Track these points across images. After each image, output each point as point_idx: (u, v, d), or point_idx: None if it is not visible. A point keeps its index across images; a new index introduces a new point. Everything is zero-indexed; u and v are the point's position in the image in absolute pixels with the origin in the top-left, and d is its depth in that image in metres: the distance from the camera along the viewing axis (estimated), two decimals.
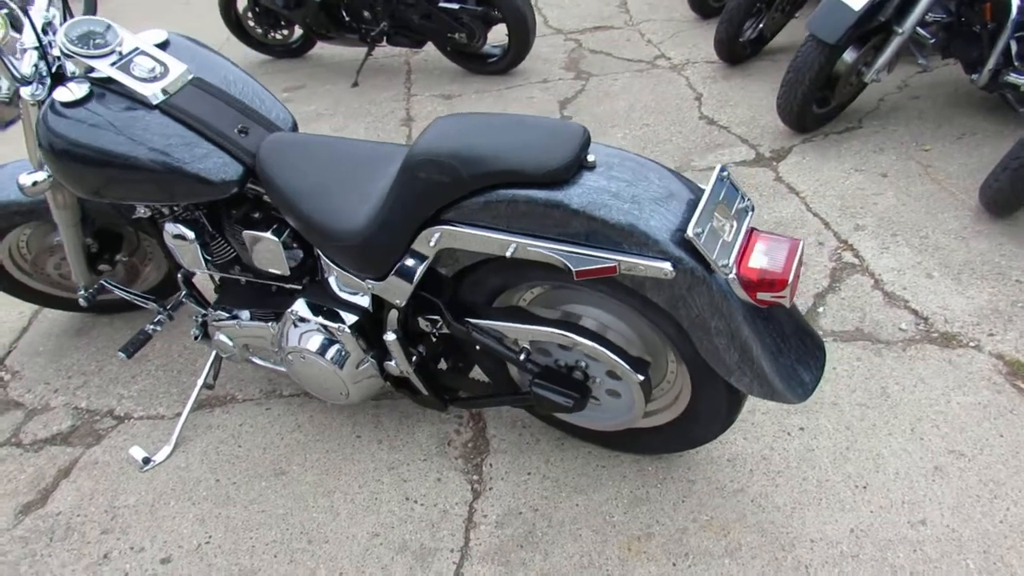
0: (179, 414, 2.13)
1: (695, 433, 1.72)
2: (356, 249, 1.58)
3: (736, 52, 3.91)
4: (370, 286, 1.65)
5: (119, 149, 1.65)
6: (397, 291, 1.62)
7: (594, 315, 1.64)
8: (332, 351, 1.77)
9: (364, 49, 4.40)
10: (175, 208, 1.83)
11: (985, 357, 2.03)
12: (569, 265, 1.38)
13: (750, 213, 1.39)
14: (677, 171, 1.48)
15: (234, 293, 1.99)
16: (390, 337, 1.68)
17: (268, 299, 1.92)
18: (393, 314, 1.69)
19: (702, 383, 1.58)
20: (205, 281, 2.02)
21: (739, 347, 1.40)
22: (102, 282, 2.11)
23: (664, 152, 3.26)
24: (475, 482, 1.86)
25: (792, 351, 1.45)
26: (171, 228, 1.85)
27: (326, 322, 1.74)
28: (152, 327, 2.09)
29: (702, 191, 1.38)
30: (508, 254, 1.44)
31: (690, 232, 1.27)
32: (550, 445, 1.93)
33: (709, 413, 1.64)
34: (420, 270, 1.57)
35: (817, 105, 3.15)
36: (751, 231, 1.38)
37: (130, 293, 2.13)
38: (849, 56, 2.99)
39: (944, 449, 1.79)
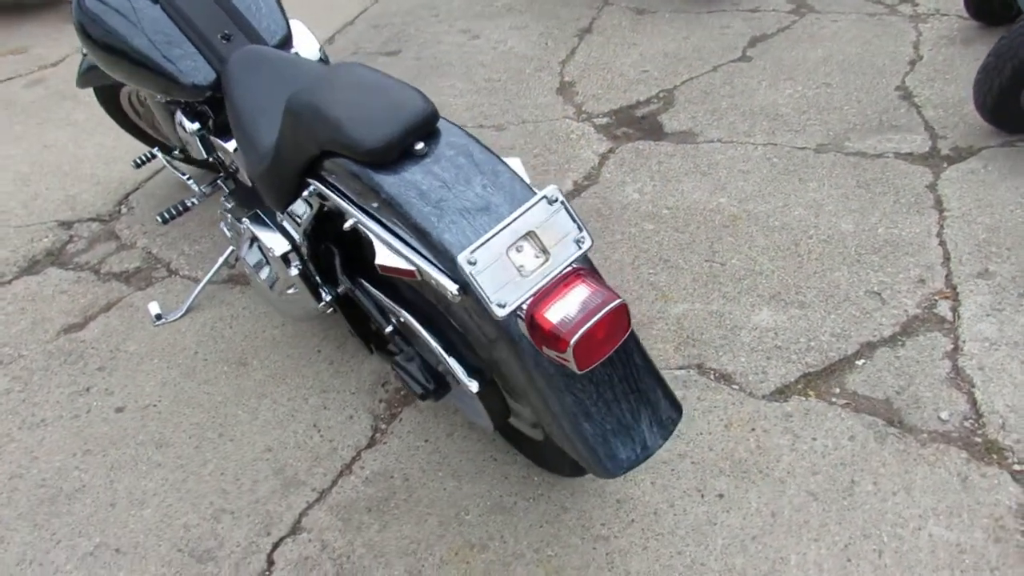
0: (200, 282, 2.33)
1: (553, 464, 1.54)
2: (258, 177, 1.58)
3: (992, 10, 3.10)
4: (280, 218, 1.65)
5: (118, 36, 1.77)
6: (292, 229, 1.60)
7: None
8: (265, 271, 1.81)
9: None
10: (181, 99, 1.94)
11: (1018, 491, 1.54)
12: (377, 255, 1.26)
13: (580, 249, 1.15)
14: (528, 182, 1.25)
15: (243, 188, 2.09)
16: (293, 272, 1.68)
17: (255, 202, 2.00)
18: (306, 247, 1.68)
19: None
20: None
21: (538, 395, 1.21)
22: (152, 151, 2.32)
23: (823, 122, 2.75)
24: (378, 431, 1.86)
25: (610, 418, 1.22)
26: (177, 116, 1.97)
27: (264, 242, 1.78)
28: (191, 200, 2.27)
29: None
30: (346, 227, 1.35)
31: (461, 258, 1.09)
32: (464, 419, 1.84)
33: (556, 450, 1.45)
34: (307, 217, 1.53)
35: None
36: (574, 272, 1.14)
37: (172, 166, 2.32)
38: None
39: None
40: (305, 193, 1.45)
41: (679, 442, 1.71)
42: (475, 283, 1.09)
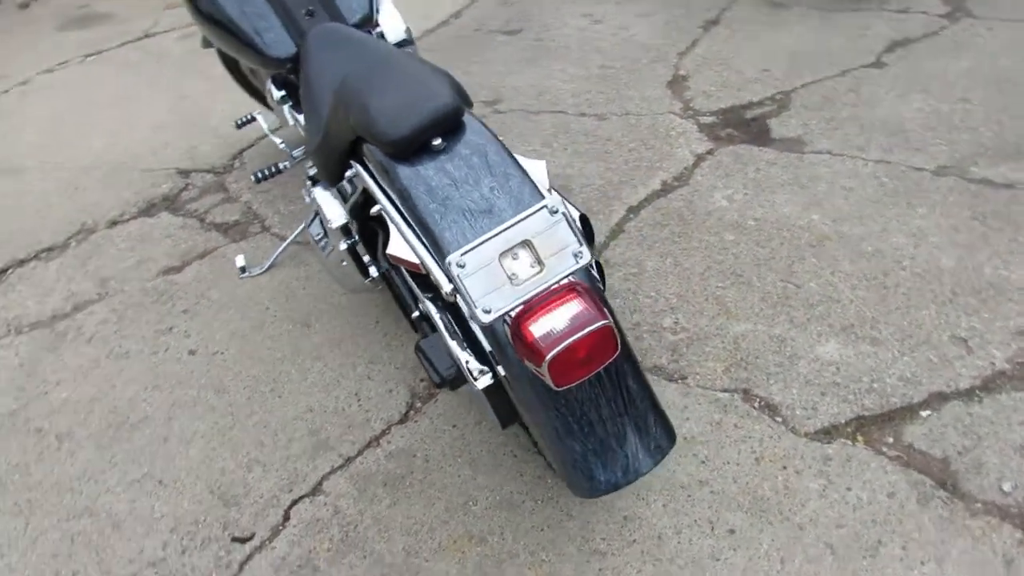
0: (286, 241, 2.46)
1: None
2: (312, 153, 1.64)
3: None
4: (332, 193, 1.70)
5: (216, 6, 1.88)
6: (339, 206, 1.65)
7: None
8: (323, 241, 1.88)
9: None
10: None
11: None
12: (389, 243, 1.29)
13: (577, 263, 1.12)
14: (543, 190, 1.23)
15: None
16: (342, 246, 1.74)
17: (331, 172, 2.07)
18: (355, 225, 1.73)
19: None
20: None
21: (523, 404, 1.20)
22: (252, 114, 2.45)
23: (950, 142, 2.52)
24: (413, 409, 1.90)
25: (593, 438, 1.19)
26: (267, 84, 2.07)
27: (323, 212, 1.85)
28: (283, 164, 2.39)
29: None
30: (373, 211, 1.38)
31: (450, 259, 1.09)
32: None
33: None
34: (352, 197, 1.57)
35: None
36: (571, 287, 1.12)
37: (269, 132, 2.44)
38: None
39: None
40: (347, 174, 1.49)
41: (702, 468, 1.65)
42: (462, 286, 1.08)
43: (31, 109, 3.67)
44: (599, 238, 2.35)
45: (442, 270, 1.17)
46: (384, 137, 1.24)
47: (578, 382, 1.11)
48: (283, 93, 2.02)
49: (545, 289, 1.10)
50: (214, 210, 2.77)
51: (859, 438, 1.67)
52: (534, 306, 1.10)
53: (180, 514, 1.73)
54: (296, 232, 2.41)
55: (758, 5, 3.64)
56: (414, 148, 1.24)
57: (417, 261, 1.23)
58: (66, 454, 1.91)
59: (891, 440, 1.67)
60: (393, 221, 1.30)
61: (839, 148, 2.59)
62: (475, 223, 1.17)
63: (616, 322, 1.21)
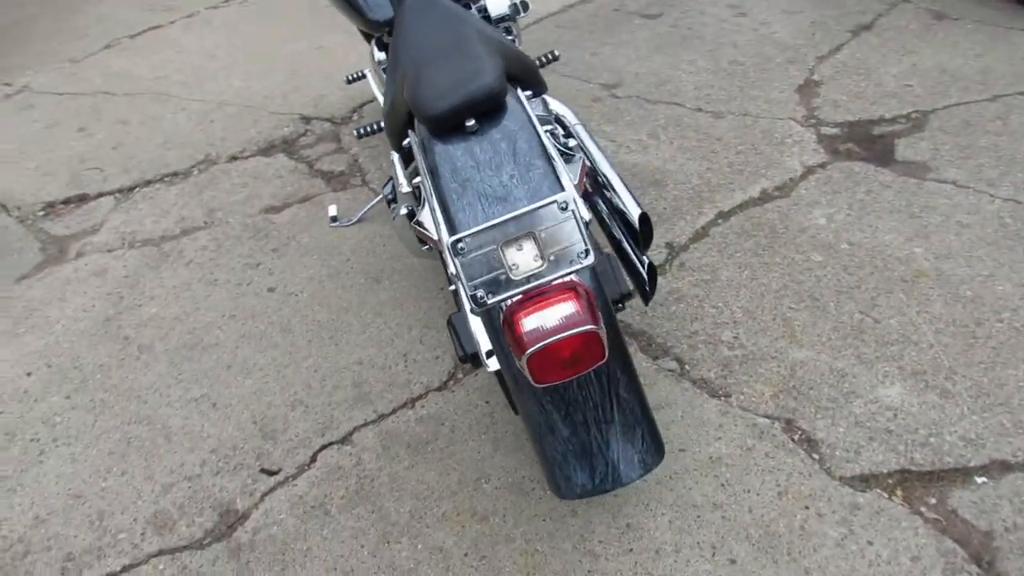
0: (377, 198, 2.55)
1: None
2: (383, 117, 1.68)
3: None
4: (395, 158, 1.75)
5: None
6: (401, 172, 1.69)
7: None
8: (393, 205, 1.94)
9: None
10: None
11: None
12: (418, 214, 1.32)
13: (580, 263, 1.11)
14: (567, 186, 1.20)
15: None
16: (402, 210, 1.78)
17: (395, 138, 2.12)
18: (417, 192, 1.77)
19: None
20: None
21: (513, 393, 1.21)
22: (362, 71, 2.53)
23: None
24: (453, 379, 1.94)
25: (575, 440, 1.18)
26: (371, 44, 2.14)
27: (396, 175, 1.90)
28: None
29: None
30: (415, 182, 1.41)
31: (450, 241, 1.11)
32: None
33: None
34: (410, 166, 1.61)
35: None
36: (572, 286, 1.11)
37: (376, 90, 2.52)
38: None
39: None
40: (404, 143, 1.53)
41: (720, 491, 1.59)
42: (457, 269, 1.10)
43: (189, 41, 3.96)
44: (680, 239, 2.29)
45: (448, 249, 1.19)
46: (423, 112, 1.27)
47: (560, 382, 1.10)
48: (382, 56, 2.08)
49: (541, 285, 1.09)
50: (324, 158, 2.90)
51: (898, 493, 1.56)
52: (531, 300, 1.10)
53: (223, 438, 1.86)
54: (384, 192, 2.49)
55: (918, 14, 3.36)
56: (449, 126, 1.26)
57: (434, 237, 1.25)
58: (143, 364, 2.09)
59: (933, 501, 1.54)
60: (426, 194, 1.32)
61: (966, 179, 2.38)
62: (488, 208, 1.17)
63: (615, 329, 1.18)
